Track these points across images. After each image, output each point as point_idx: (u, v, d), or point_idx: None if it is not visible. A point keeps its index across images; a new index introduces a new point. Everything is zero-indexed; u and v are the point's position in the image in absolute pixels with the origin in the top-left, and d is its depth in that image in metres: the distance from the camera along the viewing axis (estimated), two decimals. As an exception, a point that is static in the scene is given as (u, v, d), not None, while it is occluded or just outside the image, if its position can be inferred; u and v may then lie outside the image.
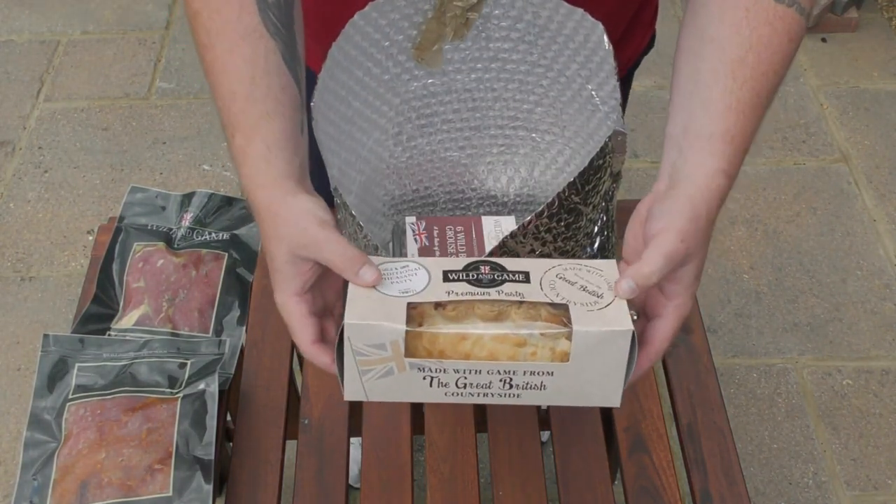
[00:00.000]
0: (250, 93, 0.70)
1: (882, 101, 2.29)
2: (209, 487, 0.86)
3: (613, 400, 0.65)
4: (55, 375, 0.92)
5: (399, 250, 0.85)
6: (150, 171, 2.13)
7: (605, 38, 0.84)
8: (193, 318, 1.00)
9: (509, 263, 0.67)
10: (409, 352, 0.62)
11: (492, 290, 0.64)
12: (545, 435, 1.04)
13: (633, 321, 0.65)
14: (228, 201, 1.10)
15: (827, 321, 1.85)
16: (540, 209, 0.74)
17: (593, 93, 0.89)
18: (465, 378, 0.63)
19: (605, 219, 0.83)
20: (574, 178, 0.75)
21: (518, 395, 0.65)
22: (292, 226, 0.66)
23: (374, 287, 0.64)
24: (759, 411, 1.72)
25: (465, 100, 0.98)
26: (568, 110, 0.94)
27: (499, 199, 1.05)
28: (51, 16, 2.51)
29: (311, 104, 0.81)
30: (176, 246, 1.05)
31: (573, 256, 0.81)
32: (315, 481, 0.91)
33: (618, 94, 0.84)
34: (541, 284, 0.65)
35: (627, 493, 0.91)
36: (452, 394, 0.65)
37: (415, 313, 0.63)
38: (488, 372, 0.63)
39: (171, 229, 1.06)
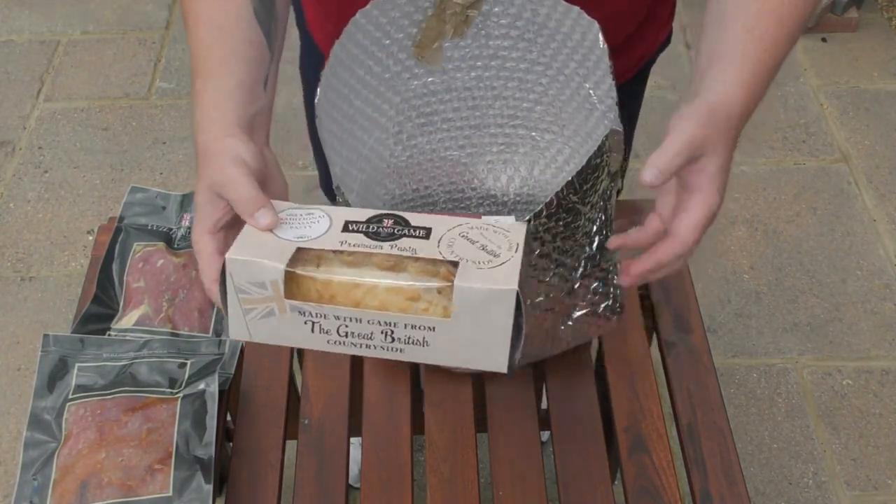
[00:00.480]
0: (216, 42, 0.72)
1: (882, 101, 2.29)
2: (209, 487, 0.86)
3: (500, 365, 0.63)
4: (55, 375, 0.92)
5: None
6: (150, 171, 2.13)
7: (601, 36, 0.83)
8: (193, 318, 1.00)
9: (415, 219, 0.66)
10: (301, 292, 0.62)
11: (385, 244, 0.63)
12: (545, 435, 1.04)
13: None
14: (228, 201, 1.10)
15: (827, 321, 1.85)
16: (538, 209, 0.74)
17: (591, 91, 0.89)
18: (347, 326, 0.62)
19: (603, 218, 0.83)
20: (572, 178, 0.75)
21: (401, 350, 0.63)
22: (214, 164, 0.68)
23: (270, 231, 0.65)
24: (759, 411, 1.72)
25: (465, 98, 0.98)
26: (567, 109, 0.94)
27: (499, 198, 1.05)
28: (51, 16, 2.52)
29: (316, 102, 0.82)
30: (176, 246, 1.05)
31: (572, 256, 0.81)
32: (315, 481, 0.91)
33: (614, 94, 0.84)
34: (439, 241, 0.64)
35: (627, 493, 0.91)
36: (335, 342, 0.64)
37: (311, 256, 0.63)
38: (369, 322, 0.62)
39: (171, 229, 1.06)
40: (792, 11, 0.70)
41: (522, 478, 0.92)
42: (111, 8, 2.54)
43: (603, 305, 0.89)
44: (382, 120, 0.96)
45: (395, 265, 0.62)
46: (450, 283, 0.60)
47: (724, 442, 0.94)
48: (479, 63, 0.95)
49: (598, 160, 0.77)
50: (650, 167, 0.65)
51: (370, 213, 0.67)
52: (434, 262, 0.62)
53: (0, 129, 2.22)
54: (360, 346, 0.64)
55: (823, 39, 2.44)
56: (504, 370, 0.63)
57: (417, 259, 0.62)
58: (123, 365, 0.92)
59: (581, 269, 0.84)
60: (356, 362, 1.00)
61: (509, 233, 0.66)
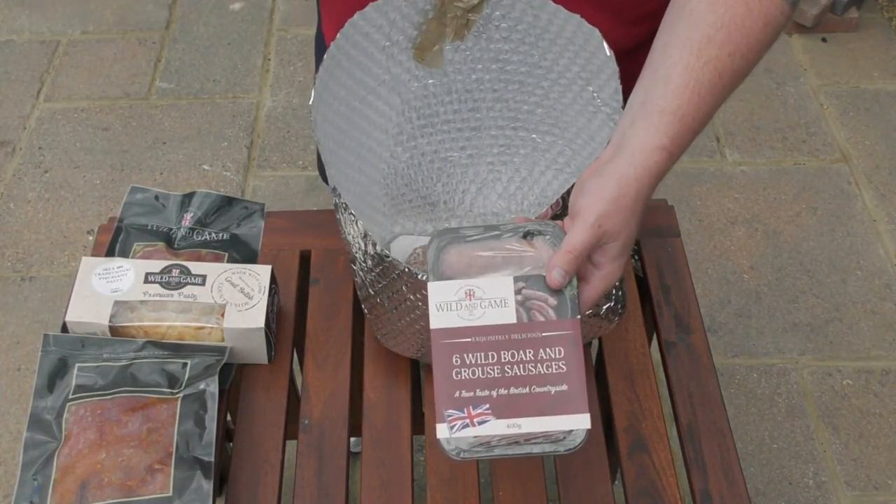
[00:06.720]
0: None
1: (882, 101, 2.29)
2: (209, 487, 0.86)
3: (263, 360, 0.98)
4: (55, 375, 0.92)
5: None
6: (150, 171, 2.13)
7: (605, 44, 0.84)
8: (193, 318, 1.00)
9: (195, 267, 0.97)
10: (122, 332, 0.95)
11: (175, 293, 0.95)
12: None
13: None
14: (228, 201, 1.10)
15: (827, 321, 1.86)
16: (543, 211, 0.75)
17: (594, 94, 0.89)
18: None
19: None
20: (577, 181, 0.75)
21: None
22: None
23: (95, 286, 0.96)
24: (759, 411, 1.72)
25: (466, 100, 0.98)
26: (569, 112, 0.94)
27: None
28: (51, 16, 2.51)
29: (311, 103, 0.82)
30: (176, 246, 1.05)
31: None
32: (315, 481, 0.91)
33: (620, 97, 0.84)
34: (212, 287, 0.95)
35: (627, 493, 0.91)
36: None
37: (126, 305, 0.95)
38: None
39: (171, 229, 1.06)
40: (736, 61, 0.69)
41: (522, 478, 0.92)
42: (111, 8, 2.54)
43: (605, 307, 0.89)
44: (382, 121, 0.96)
45: (184, 308, 0.95)
46: (220, 325, 0.93)
47: (724, 442, 0.94)
48: (479, 66, 0.95)
49: None
50: (556, 268, 0.67)
51: (162, 263, 0.97)
52: (210, 304, 0.94)
53: (0, 129, 2.22)
54: None
55: (823, 39, 2.44)
56: (265, 362, 0.99)
57: (199, 303, 0.94)
58: (123, 365, 0.92)
59: None
60: (356, 363, 1.01)
61: (259, 275, 0.97)
